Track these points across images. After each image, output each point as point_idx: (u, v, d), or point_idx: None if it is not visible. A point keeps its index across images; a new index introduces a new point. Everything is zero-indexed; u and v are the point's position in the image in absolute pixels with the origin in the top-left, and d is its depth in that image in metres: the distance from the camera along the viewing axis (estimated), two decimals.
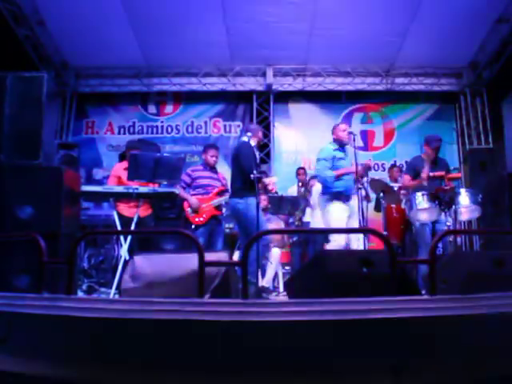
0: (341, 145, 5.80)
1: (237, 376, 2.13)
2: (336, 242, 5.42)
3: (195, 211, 5.99)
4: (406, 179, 6.14)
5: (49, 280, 2.94)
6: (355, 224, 5.43)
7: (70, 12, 7.58)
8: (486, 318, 2.26)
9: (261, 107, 9.61)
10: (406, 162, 9.05)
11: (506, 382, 2.24)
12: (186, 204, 6.07)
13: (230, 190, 5.79)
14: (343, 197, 5.59)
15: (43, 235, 2.98)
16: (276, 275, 6.92)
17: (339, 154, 5.76)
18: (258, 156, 5.80)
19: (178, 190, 5.77)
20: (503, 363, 2.24)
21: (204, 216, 5.99)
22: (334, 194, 5.60)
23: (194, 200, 6.02)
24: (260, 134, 5.91)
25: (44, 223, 3.94)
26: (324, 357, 2.16)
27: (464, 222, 6.77)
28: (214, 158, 6.29)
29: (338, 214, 5.53)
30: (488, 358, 2.22)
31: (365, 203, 5.58)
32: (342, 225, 5.46)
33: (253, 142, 5.64)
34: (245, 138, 5.71)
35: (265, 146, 9.39)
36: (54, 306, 2.45)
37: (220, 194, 6.16)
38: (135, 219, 5.27)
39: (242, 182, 5.41)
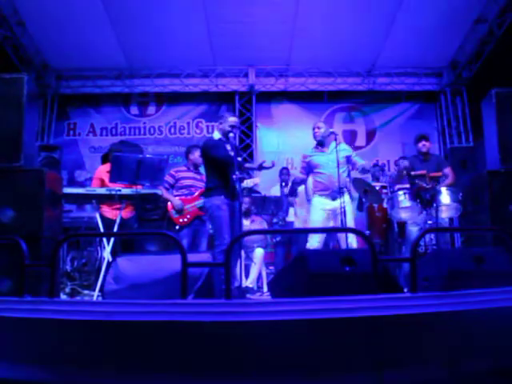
0: (318, 143, 5.70)
1: (221, 376, 2.14)
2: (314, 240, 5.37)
3: (179, 212, 5.99)
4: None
5: (31, 283, 2.92)
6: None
7: (50, 13, 7.51)
8: (467, 314, 2.29)
9: (243, 108, 9.61)
10: (388, 161, 9.19)
11: (488, 378, 2.27)
12: (170, 205, 6.05)
13: None
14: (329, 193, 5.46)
15: (25, 238, 2.96)
16: (260, 275, 6.93)
17: (315, 154, 5.65)
18: (230, 146, 5.20)
19: (161, 191, 5.76)
20: (485, 359, 2.27)
21: (188, 217, 5.98)
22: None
23: (177, 201, 6.01)
24: (226, 121, 5.30)
25: (25, 226, 3.91)
26: (308, 355, 2.17)
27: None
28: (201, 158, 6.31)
29: (317, 210, 5.50)
30: (470, 354, 2.25)
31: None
32: (321, 220, 5.42)
33: (217, 135, 5.31)
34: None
35: (247, 147, 9.42)
36: (37, 310, 2.43)
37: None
38: (118, 221, 5.25)
39: (208, 181, 5.25)
